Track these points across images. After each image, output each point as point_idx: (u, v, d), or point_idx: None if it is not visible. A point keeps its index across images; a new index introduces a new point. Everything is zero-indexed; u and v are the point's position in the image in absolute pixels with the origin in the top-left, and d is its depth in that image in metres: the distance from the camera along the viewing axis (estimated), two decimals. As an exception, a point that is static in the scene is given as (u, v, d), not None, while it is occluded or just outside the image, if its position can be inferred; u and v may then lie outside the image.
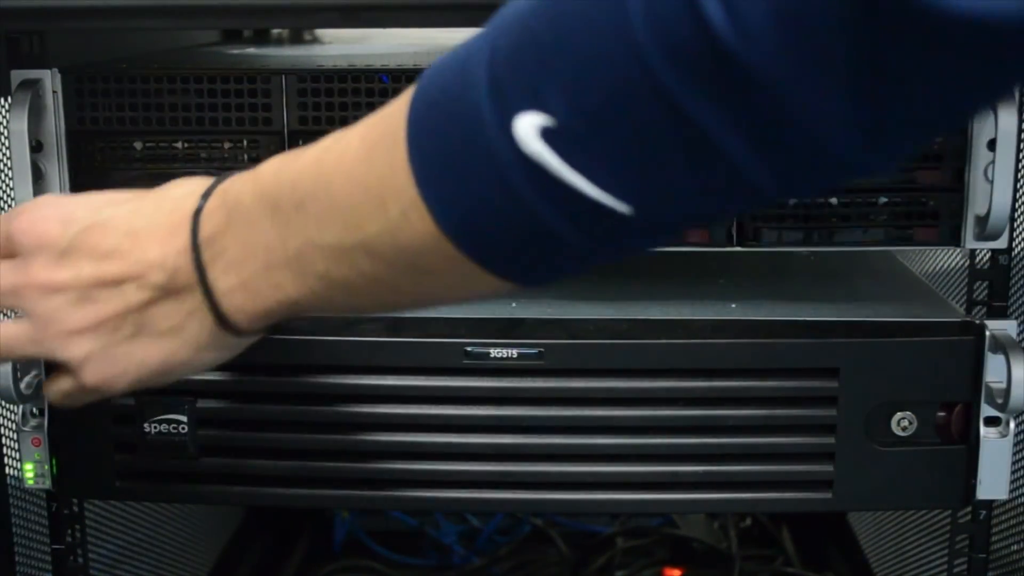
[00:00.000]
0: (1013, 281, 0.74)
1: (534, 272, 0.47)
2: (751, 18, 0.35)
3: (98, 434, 0.71)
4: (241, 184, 0.52)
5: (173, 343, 0.56)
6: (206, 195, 0.54)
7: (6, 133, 0.70)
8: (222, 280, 0.53)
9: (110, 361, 0.57)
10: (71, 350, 0.57)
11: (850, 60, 0.35)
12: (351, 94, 0.70)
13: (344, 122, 0.70)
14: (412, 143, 0.45)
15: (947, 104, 0.37)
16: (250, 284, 0.52)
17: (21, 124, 0.69)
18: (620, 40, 0.38)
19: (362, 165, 0.47)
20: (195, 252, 0.53)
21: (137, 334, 0.56)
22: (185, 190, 0.55)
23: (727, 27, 0.36)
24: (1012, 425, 0.70)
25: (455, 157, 0.43)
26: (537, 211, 0.42)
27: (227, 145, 0.71)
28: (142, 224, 0.55)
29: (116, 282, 0.55)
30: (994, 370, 0.69)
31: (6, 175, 0.76)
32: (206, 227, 0.53)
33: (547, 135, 0.40)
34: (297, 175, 0.50)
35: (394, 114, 0.46)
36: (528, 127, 0.40)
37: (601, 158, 0.40)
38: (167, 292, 0.54)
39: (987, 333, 0.69)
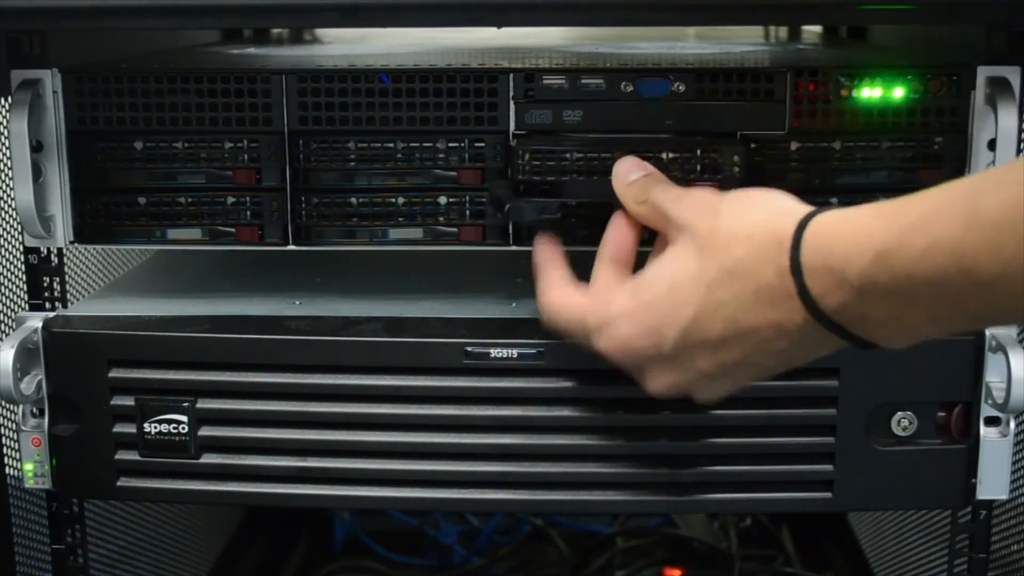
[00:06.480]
0: (1013, 281, 0.74)
1: None
2: None
3: (98, 434, 0.71)
4: (857, 259, 0.51)
5: (809, 359, 0.58)
6: (796, 269, 0.53)
7: (6, 133, 0.70)
8: (874, 332, 0.53)
9: (742, 384, 0.61)
10: (706, 399, 0.62)
11: None
12: (351, 94, 0.70)
13: (344, 122, 0.70)
14: None
15: None
16: (910, 330, 0.53)
17: (21, 124, 0.69)
18: None
19: None
20: (824, 320, 0.53)
21: (772, 370, 0.59)
22: (751, 254, 0.55)
23: None
24: (1012, 425, 0.70)
25: None
26: None
27: (227, 145, 0.71)
28: (735, 311, 0.55)
29: (740, 363, 0.57)
30: (994, 370, 0.69)
31: (6, 175, 0.76)
32: (828, 302, 0.53)
33: None
34: (959, 252, 0.48)
35: None
36: None
37: None
38: (798, 344, 0.55)
39: (987, 333, 0.69)
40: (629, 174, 0.66)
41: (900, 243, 0.49)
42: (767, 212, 0.56)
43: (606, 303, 0.61)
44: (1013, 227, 0.46)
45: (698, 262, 0.57)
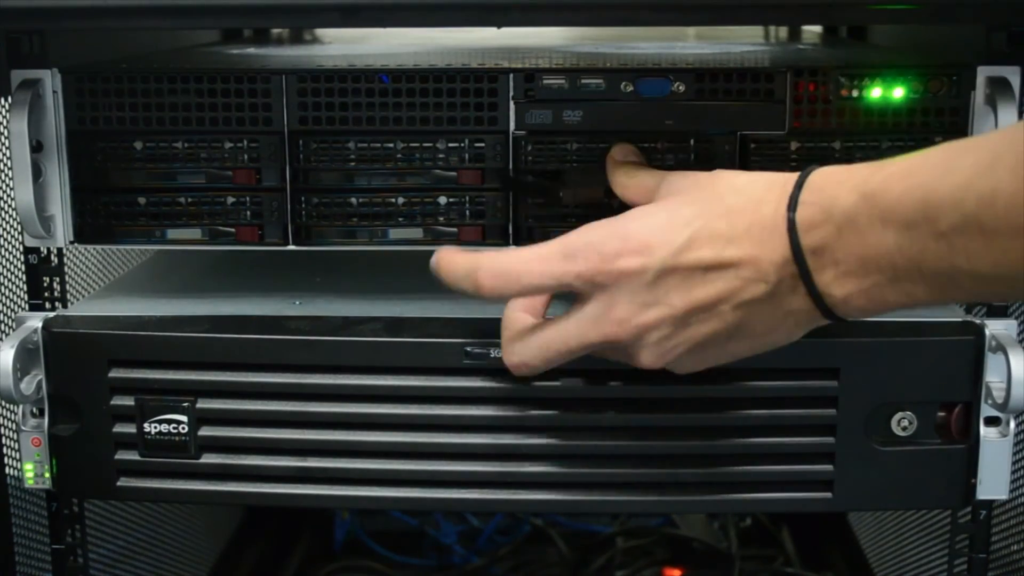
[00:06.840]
0: (1013, 281, 0.74)
1: None
2: None
3: (98, 434, 0.71)
4: (846, 197, 0.53)
5: (765, 340, 0.59)
6: (793, 204, 0.55)
7: (6, 133, 0.70)
8: (837, 287, 0.55)
9: (686, 360, 0.60)
10: (652, 360, 0.60)
11: None
12: (351, 94, 0.70)
13: (344, 122, 0.70)
14: None
15: None
16: (873, 292, 0.54)
17: (21, 124, 0.69)
18: None
19: None
20: (801, 264, 0.55)
21: (730, 339, 0.58)
22: (754, 195, 0.56)
23: None
24: (1012, 425, 0.70)
25: None
26: None
27: (227, 145, 0.71)
28: (726, 243, 0.56)
29: (710, 306, 0.57)
30: (994, 370, 0.69)
31: (6, 175, 0.76)
32: (809, 238, 0.54)
33: None
34: (927, 199, 0.50)
35: None
36: None
37: None
38: (766, 299, 0.56)
39: (987, 333, 0.69)
40: (625, 157, 0.68)
41: (882, 186, 0.52)
42: (767, 173, 0.58)
43: (588, 229, 0.59)
44: (976, 186, 0.49)
45: (700, 201, 0.58)
